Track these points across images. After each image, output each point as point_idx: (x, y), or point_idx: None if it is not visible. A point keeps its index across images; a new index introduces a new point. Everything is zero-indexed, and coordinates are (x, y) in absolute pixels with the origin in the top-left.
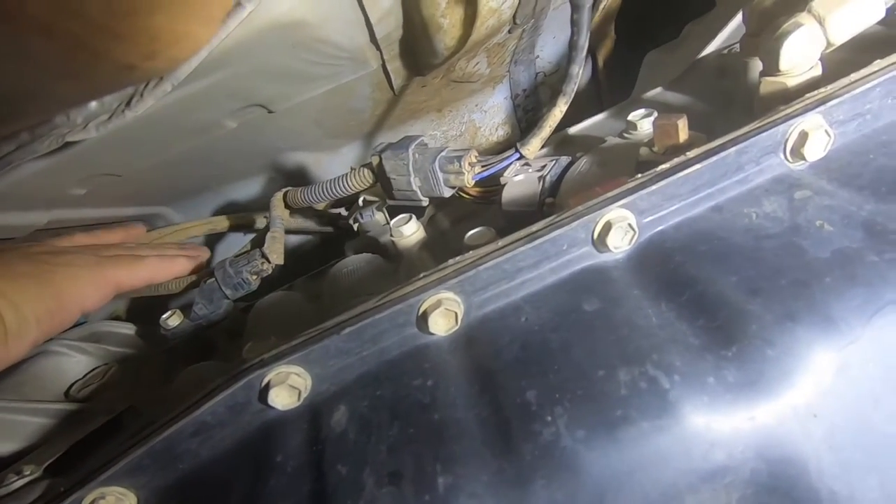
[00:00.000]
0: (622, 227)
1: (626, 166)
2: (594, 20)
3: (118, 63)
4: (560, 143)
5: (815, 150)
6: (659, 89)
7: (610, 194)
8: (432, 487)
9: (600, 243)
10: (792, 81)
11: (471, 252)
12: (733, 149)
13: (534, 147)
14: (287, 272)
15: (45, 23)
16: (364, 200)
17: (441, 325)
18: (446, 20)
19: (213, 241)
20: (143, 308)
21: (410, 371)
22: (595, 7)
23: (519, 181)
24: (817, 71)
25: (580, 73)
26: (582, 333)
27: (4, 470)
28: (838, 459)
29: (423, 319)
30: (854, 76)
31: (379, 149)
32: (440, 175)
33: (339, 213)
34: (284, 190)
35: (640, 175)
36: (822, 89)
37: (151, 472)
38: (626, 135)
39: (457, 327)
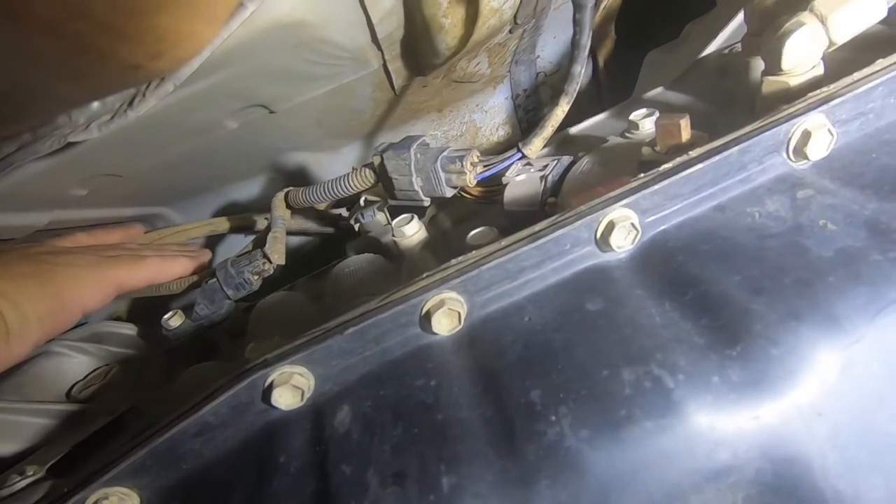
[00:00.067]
0: (625, 226)
1: (628, 166)
2: (595, 20)
3: (124, 63)
4: (561, 142)
5: (818, 149)
6: (660, 89)
7: (613, 194)
8: (436, 487)
9: (603, 243)
10: (794, 81)
11: (473, 252)
12: (736, 148)
13: (536, 147)
14: (288, 272)
15: (52, 22)
16: (365, 200)
17: (444, 324)
18: (448, 20)
19: (213, 242)
20: (145, 309)
21: (413, 371)
22: (596, 7)
23: (521, 181)
24: (819, 70)
25: (582, 72)
26: (585, 333)
27: (7, 471)
28: (843, 458)
29: (426, 319)
30: (856, 75)
31: (380, 149)
32: (442, 175)
33: (340, 214)
34: (286, 190)
35: (642, 175)
36: (825, 88)
37: (154, 472)
38: (627, 134)
39: (460, 327)
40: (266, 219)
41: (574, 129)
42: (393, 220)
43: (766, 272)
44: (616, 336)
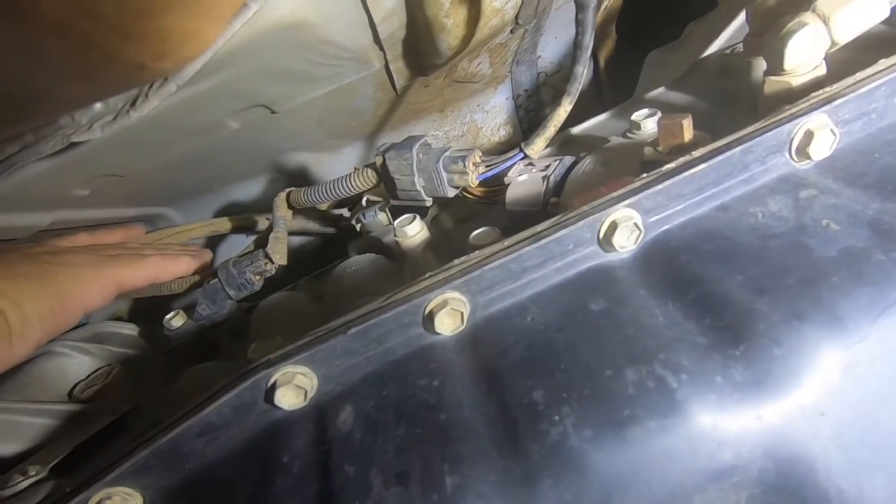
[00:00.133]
0: (628, 226)
1: (630, 166)
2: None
3: (129, 63)
4: (563, 143)
5: (821, 149)
6: (661, 89)
7: (615, 194)
8: (440, 487)
9: (606, 243)
10: (796, 81)
11: (476, 252)
12: (738, 148)
13: (538, 147)
14: (290, 272)
15: (58, 22)
16: (367, 201)
17: (447, 324)
18: (450, 20)
19: (215, 242)
20: (146, 309)
21: (416, 371)
22: (598, 7)
23: (523, 181)
24: (822, 70)
25: (584, 72)
26: (588, 333)
27: (9, 471)
28: (846, 458)
29: (429, 319)
30: (859, 75)
31: (382, 149)
32: (444, 175)
33: (342, 214)
34: (287, 190)
35: (645, 175)
36: (827, 88)
37: (157, 472)
38: (629, 134)
39: (463, 327)
40: (268, 219)
41: (576, 130)
42: (395, 220)
43: (769, 272)
44: (619, 336)
